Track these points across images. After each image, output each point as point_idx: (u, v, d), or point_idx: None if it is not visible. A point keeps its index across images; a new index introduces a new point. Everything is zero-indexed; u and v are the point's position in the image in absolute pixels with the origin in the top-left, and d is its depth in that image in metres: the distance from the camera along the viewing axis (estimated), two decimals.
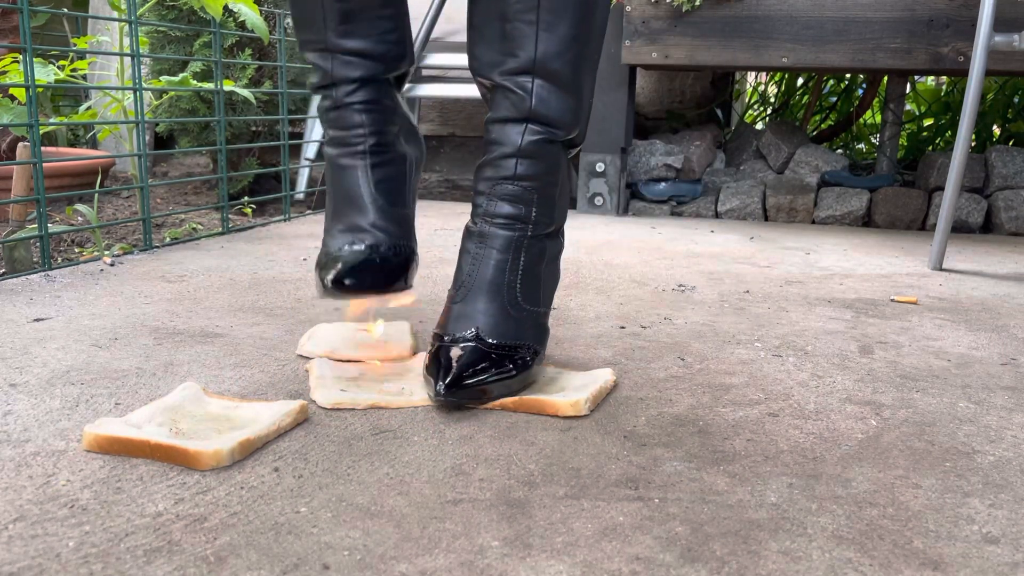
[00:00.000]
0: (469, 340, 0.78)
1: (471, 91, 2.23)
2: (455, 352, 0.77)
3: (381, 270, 0.85)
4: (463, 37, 2.76)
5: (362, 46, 0.87)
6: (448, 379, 0.75)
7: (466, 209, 2.19)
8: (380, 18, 0.87)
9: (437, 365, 0.78)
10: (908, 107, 2.78)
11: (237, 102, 2.08)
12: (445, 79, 2.45)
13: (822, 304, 1.22)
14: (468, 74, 2.54)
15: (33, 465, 0.63)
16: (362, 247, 0.85)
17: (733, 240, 1.81)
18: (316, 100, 0.87)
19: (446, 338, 0.79)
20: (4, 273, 1.31)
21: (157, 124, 2.48)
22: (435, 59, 2.27)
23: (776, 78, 2.89)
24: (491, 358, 0.77)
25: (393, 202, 0.89)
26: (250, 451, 0.66)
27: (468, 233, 0.84)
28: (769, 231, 1.96)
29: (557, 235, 0.87)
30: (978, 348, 1.02)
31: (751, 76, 3.18)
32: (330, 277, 0.83)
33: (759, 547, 0.54)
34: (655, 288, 1.30)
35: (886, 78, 2.41)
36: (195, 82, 1.73)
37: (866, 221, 2.14)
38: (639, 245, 1.70)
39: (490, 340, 0.79)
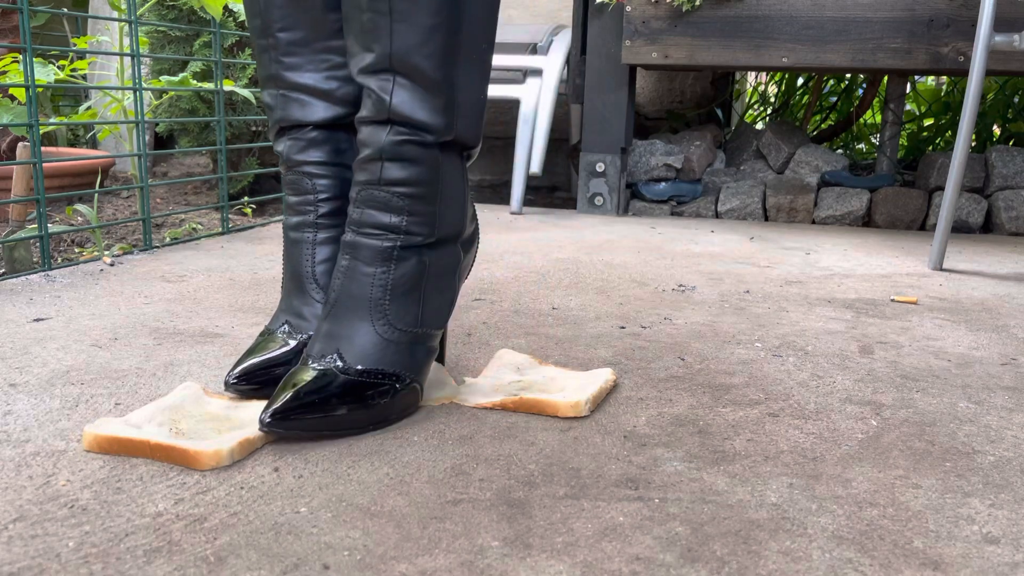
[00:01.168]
0: (328, 365, 0.70)
1: None
2: (302, 376, 0.70)
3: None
4: None
5: (310, 83, 0.78)
6: (275, 407, 0.67)
7: None
8: (328, 50, 0.78)
9: (279, 386, 0.70)
10: (908, 107, 2.78)
11: (237, 102, 2.08)
12: None
13: (822, 304, 1.22)
14: None
15: (33, 465, 0.63)
16: (290, 345, 0.77)
17: (733, 240, 1.81)
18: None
19: (309, 360, 0.72)
20: (4, 273, 1.31)
21: (157, 124, 2.48)
22: None
23: (776, 78, 2.89)
24: (343, 389, 0.69)
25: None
26: (250, 451, 0.66)
27: (342, 244, 0.75)
28: (769, 231, 1.96)
29: (447, 245, 0.77)
30: (978, 348, 1.02)
31: (751, 76, 3.18)
32: (235, 372, 0.76)
33: (759, 547, 0.54)
34: (655, 288, 1.30)
35: (886, 78, 2.41)
36: (195, 82, 1.73)
37: (866, 221, 2.14)
38: (639, 245, 1.70)
39: (355, 366, 0.71)
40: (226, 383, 0.76)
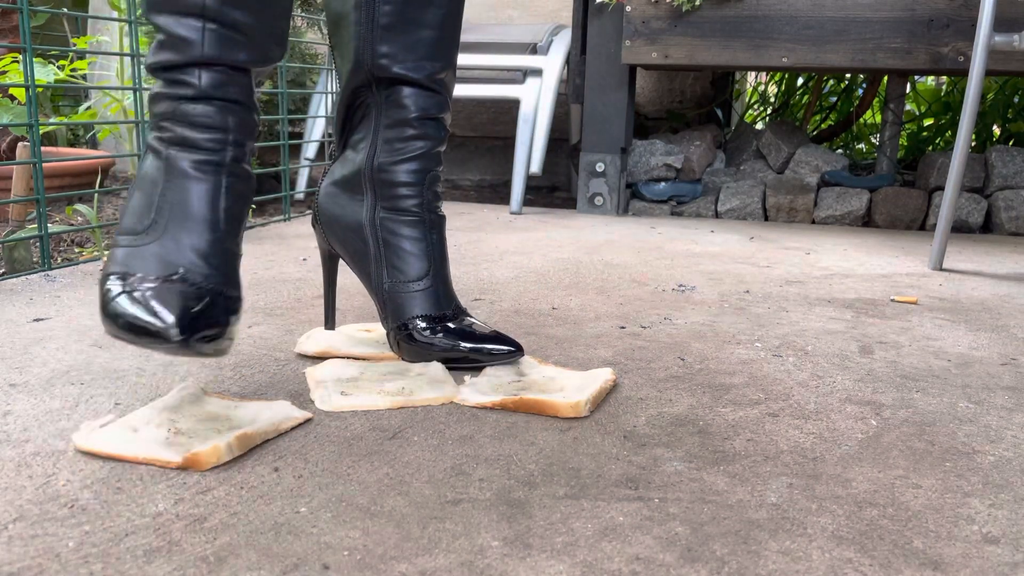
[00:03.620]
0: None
1: (471, 91, 2.23)
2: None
3: (209, 322, 0.68)
4: (463, 37, 2.75)
5: (250, 21, 0.72)
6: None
7: (466, 209, 2.19)
8: None
9: None
10: (908, 107, 2.78)
11: None
12: None
13: (822, 304, 1.22)
14: (468, 74, 2.54)
15: (33, 465, 0.63)
16: (194, 287, 0.70)
17: (733, 240, 1.81)
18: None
19: None
20: (4, 273, 1.31)
21: None
22: None
23: (776, 78, 2.89)
24: None
25: (234, 235, 0.74)
26: (249, 447, 0.66)
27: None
28: (769, 231, 1.96)
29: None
30: (978, 348, 1.02)
31: (751, 76, 3.18)
32: (139, 314, 0.67)
33: (759, 547, 0.54)
34: (655, 288, 1.30)
35: (886, 78, 2.41)
36: None
37: (866, 221, 2.14)
38: (639, 245, 1.70)
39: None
40: (120, 326, 0.68)
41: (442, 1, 0.86)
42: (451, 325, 0.87)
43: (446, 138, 0.91)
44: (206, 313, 0.68)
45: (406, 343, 0.87)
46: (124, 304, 0.67)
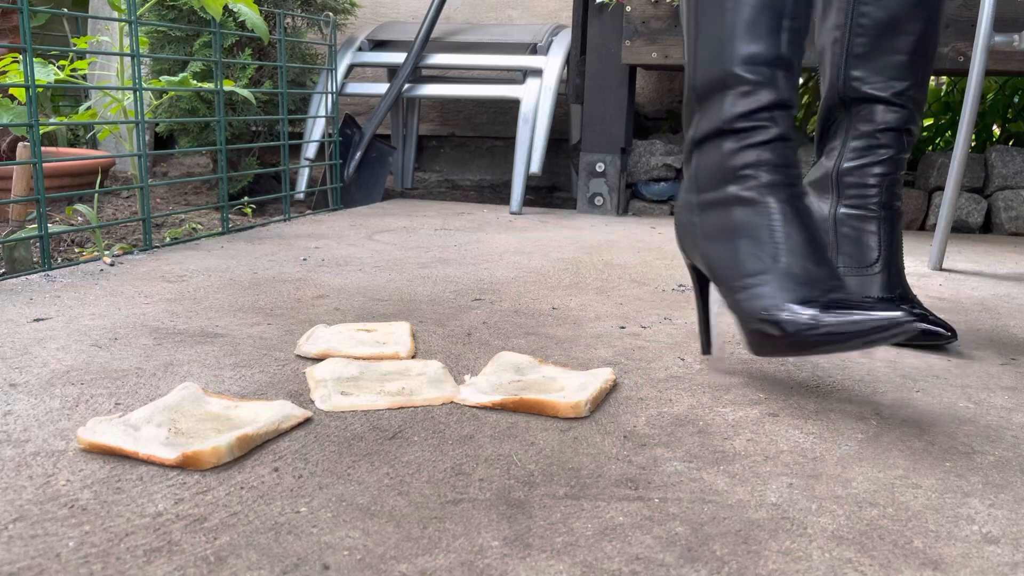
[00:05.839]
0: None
1: (471, 91, 2.23)
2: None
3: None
4: (463, 37, 2.76)
5: (793, 61, 0.83)
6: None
7: (466, 209, 2.19)
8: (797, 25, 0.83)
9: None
10: None
11: (237, 102, 2.08)
12: (445, 79, 2.45)
13: None
14: (468, 74, 2.54)
15: (33, 465, 0.63)
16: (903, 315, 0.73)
17: None
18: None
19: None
20: (4, 273, 1.31)
21: (157, 124, 2.48)
22: (435, 59, 2.27)
23: None
24: None
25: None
26: (249, 447, 0.66)
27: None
28: None
29: None
30: (978, 348, 1.02)
31: None
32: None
33: (759, 547, 0.54)
34: (655, 288, 1.30)
35: None
36: (195, 82, 1.73)
37: None
38: (639, 245, 1.70)
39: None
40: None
41: (914, 29, 0.99)
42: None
43: (908, 147, 1.04)
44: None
45: None
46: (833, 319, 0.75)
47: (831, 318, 0.73)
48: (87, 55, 2.32)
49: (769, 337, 0.76)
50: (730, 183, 0.83)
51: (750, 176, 0.82)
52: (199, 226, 1.83)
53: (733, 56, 0.81)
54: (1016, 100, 2.48)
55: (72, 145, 2.55)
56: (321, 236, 1.70)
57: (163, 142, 2.82)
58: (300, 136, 2.46)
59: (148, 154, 1.72)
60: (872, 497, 0.62)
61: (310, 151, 2.26)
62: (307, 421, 0.73)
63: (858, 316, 0.72)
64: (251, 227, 1.79)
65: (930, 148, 2.59)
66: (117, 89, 1.56)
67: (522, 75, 2.22)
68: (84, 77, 2.12)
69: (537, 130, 2.13)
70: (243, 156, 2.23)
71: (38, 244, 1.34)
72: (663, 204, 2.23)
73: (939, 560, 0.53)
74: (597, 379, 0.82)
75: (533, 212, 2.18)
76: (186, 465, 0.63)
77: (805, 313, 0.74)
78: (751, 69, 0.81)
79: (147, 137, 1.93)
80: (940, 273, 1.50)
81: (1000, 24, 1.65)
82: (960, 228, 2.06)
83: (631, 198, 2.26)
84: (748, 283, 0.79)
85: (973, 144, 2.47)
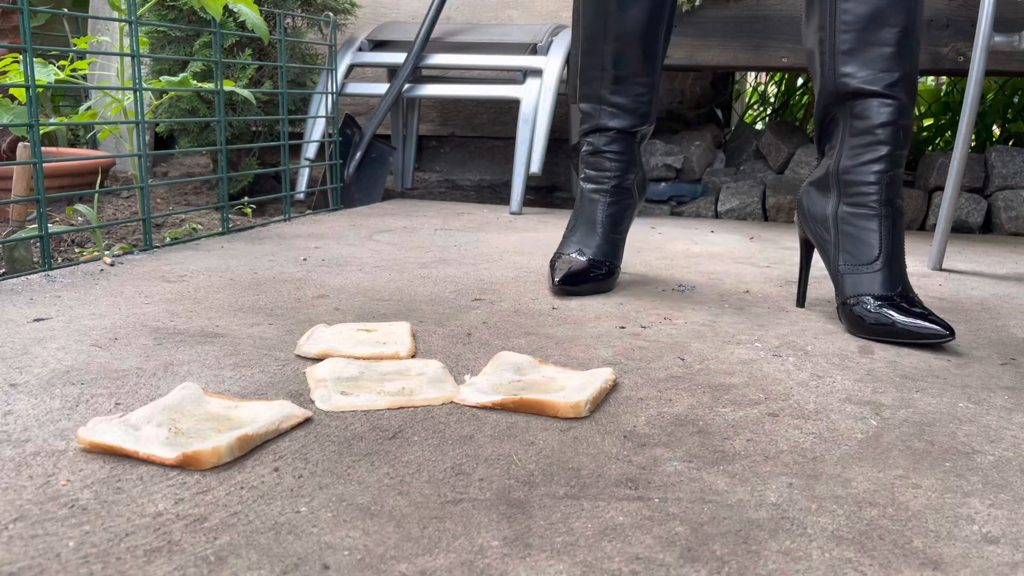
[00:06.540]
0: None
1: (471, 91, 2.23)
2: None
3: (594, 277, 1.23)
4: (463, 37, 2.75)
5: (623, 102, 1.24)
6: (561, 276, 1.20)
7: (466, 209, 2.19)
8: (638, 84, 1.24)
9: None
10: None
11: (237, 102, 2.08)
12: (445, 79, 2.45)
13: (822, 304, 1.22)
14: (468, 74, 2.54)
15: (33, 465, 0.63)
16: (583, 259, 1.24)
17: (733, 240, 1.81)
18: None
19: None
20: (4, 273, 1.31)
21: (157, 124, 2.48)
22: (435, 59, 2.27)
23: (776, 78, 2.89)
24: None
25: (614, 230, 1.27)
26: (249, 447, 0.66)
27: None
28: (769, 231, 1.96)
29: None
30: (978, 348, 1.02)
31: (751, 76, 3.18)
32: (557, 278, 1.21)
33: (759, 547, 0.54)
34: (655, 288, 1.30)
35: None
36: (195, 82, 1.73)
37: None
38: (639, 245, 1.70)
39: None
40: (553, 283, 1.22)
41: (897, 20, 1.01)
42: (892, 304, 1.01)
43: (906, 142, 1.05)
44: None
45: (846, 316, 1.06)
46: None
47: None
48: (87, 55, 2.32)
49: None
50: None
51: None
52: (199, 226, 1.83)
53: None
54: (1016, 100, 2.48)
55: (72, 145, 2.55)
56: (321, 236, 1.70)
57: (163, 142, 2.82)
58: (300, 136, 2.46)
59: (148, 154, 1.72)
60: (872, 497, 0.62)
61: (310, 151, 2.26)
62: (307, 421, 0.73)
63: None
64: (251, 227, 1.79)
65: (930, 148, 2.59)
66: (117, 89, 1.56)
67: (522, 75, 2.22)
68: (84, 77, 2.12)
69: (537, 130, 2.13)
70: (243, 156, 2.23)
71: (38, 244, 1.34)
72: (663, 204, 2.23)
73: (939, 560, 0.53)
74: (597, 379, 0.82)
75: (533, 212, 2.18)
76: (186, 465, 0.63)
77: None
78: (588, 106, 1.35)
79: (147, 137, 1.93)
80: (940, 273, 1.50)
81: (1000, 24, 1.65)
82: (960, 228, 2.06)
83: None
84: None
85: (973, 144, 2.48)
